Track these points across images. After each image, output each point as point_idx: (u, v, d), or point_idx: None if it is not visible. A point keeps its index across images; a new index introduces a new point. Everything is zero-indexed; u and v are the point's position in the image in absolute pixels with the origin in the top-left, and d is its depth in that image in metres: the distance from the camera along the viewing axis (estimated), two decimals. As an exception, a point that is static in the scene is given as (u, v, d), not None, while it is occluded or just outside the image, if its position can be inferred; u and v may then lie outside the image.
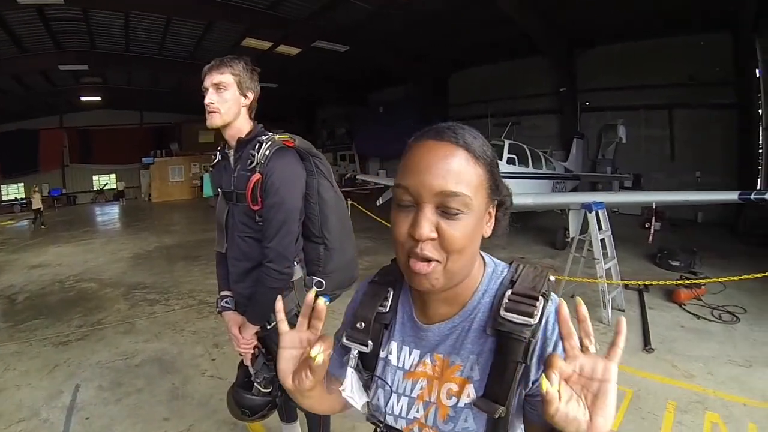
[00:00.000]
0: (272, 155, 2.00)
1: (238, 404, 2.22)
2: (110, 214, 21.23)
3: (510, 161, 9.34)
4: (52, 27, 13.38)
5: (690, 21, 11.55)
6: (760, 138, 11.24)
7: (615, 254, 5.88)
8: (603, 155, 14.10)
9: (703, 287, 6.14)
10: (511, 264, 0.96)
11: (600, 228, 5.71)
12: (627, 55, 13.57)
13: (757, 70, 10.94)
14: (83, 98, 22.27)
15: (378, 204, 8.92)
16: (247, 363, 2.22)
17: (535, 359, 0.84)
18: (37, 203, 17.07)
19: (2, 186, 25.84)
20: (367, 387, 1.04)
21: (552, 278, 0.91)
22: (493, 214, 0.91)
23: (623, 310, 5.80)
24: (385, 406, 1.00)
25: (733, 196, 6.58)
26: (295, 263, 2.16)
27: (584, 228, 6.08)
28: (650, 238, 7.16)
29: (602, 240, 5.70)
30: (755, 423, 3.45)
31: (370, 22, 13.03)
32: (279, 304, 0.92)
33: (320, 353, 0.84)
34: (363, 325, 1.01)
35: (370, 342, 1.00)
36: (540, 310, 0.84)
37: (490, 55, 16.42)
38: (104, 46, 15.74)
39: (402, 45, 15.47)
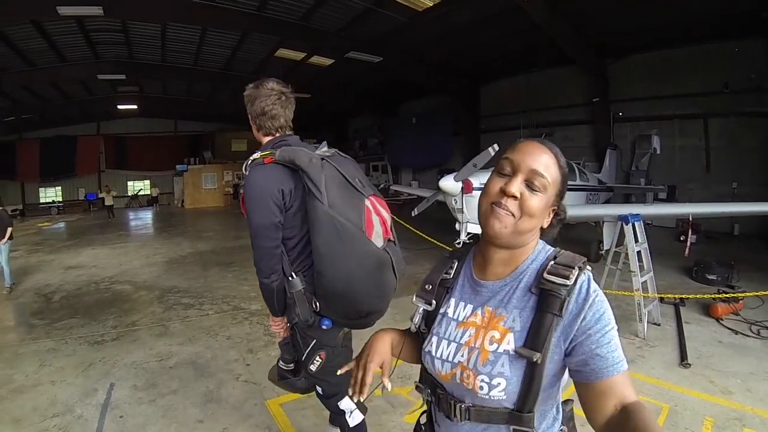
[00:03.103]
0: (248, 172, 2.12)
1: (276, 369, 2.51)
2: (144, 219, 21.72)
3: (544, 173, 9.11)
4: (91, 38, 13.85)
5: (723, 28, 11.34)
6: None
7: (651, 267, 5.77)
8: (637, 166, 13.85)
9: (740, 302, 5.97)
10: (556, 248, 1.21)
11: (636, 240, 5.61)
12: (660, 64, 13.35)
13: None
14: (120, 106, 22.96)
15: (413, 215, 8.88)
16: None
17: (569, 316, 1.06)
18: (109, 200, 19.95)
19: (40, 189, 26.72)
20: (423, 339, 1.30)
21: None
22: (552, 215, 1.19)
23: (659, 324, 5.67)
24: (436, 350, 1.23)
25: None
26: (293, 275, 2.19)
27: (619, 240, 5.98)
28: (686, 251, 7.01)
29: (638, 252, 5.60)
30: (795, 441, 3.35)
31: (402, 33, 13.10)
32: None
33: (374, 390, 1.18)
34: (430, 287, 1.31)
35: (434, 301, 1.29)
36: (575, 276, 1.07)
37: (521, 66, 16.37)
38: (141, 57, 16.24)
39: (434, 56, 15.52)
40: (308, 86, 18.69)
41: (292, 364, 2.44)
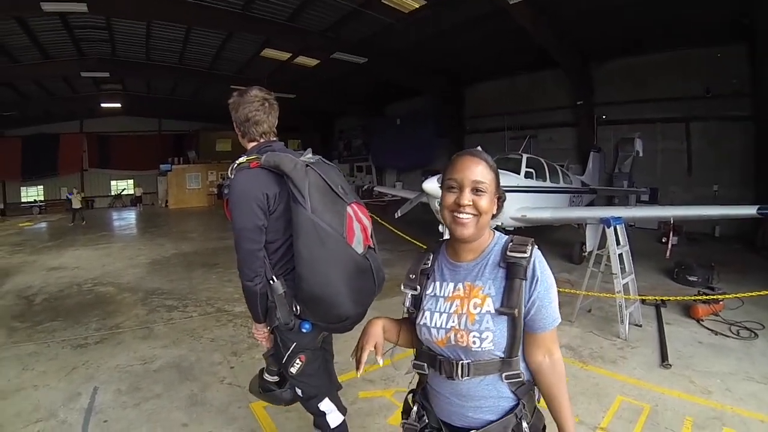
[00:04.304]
0: (234, 176, 2.16)
1: (258, 381, 2.58)
2: (127, 219, 21.51)
3: (528, 175, 9.15)
4: (75, 34, 13.69)
5: (706, 34, 11.52)
6: (778, 150, 11.13)
7: (633, 269, 5.83)
8: (619, 169, 14.00)
9: (720, 303, 6.07)
10: (509, 235, 1.56)
11: (618, 243, 5.66)
12: (643, 68, 13.53)
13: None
14: (103, 104, 22.64)
15: (396, 216, 8.88)
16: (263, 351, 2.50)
17: (529, 280, 1.42)
18: (77, 203, 18.95)
19: (22, 188, 26.33)
20: (416, 317, 1.57)
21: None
22: (496, 202, 1.51)
23: (640, 326, 5.74)
24: (431, 321, 1.50)
25: (751, 210, 6.48)
26: (275, 279, 2.23)
27: (601, 242, 6.04)
28: (668, 253, 7.10)
29: (620, 255, 5.66)
30: (774, 440, 3.41)
31: (387, 35, 13.12)
32: None
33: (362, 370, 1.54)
34: (414, 276, 1.62)
35: (418, 287, 1.60)
36: (530, 250, 1.44)
37: (506, 68, 16.46)
38: (125, 54, 16.07)
39: (419, 57, 15.56)
40: (294, 86, 18.67)
41: (277, 376, 2.48)
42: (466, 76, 18.27)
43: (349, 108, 25.28)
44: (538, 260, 1.44)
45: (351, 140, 28.31)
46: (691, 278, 7.53)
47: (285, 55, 15.49)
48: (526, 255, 1.43)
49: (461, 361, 1.44)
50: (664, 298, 6.32)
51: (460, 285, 1.51)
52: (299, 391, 2.45)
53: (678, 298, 6.25)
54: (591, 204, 12.37)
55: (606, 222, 5.71)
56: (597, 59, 14.20)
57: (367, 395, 4.02)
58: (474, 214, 1.44)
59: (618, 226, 5.74)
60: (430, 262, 1.62)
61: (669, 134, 13.41)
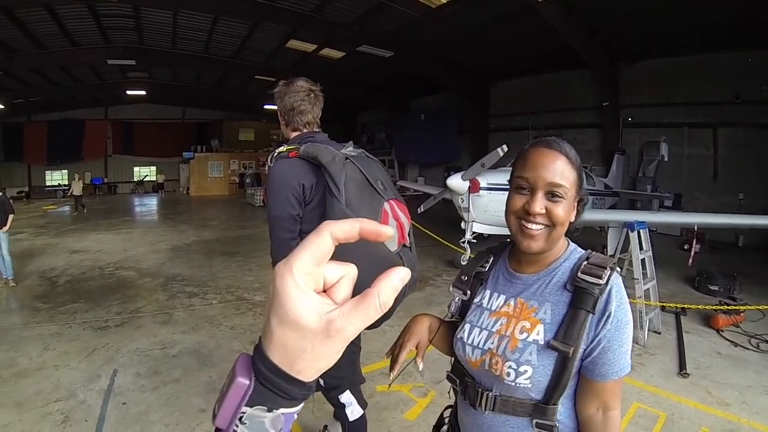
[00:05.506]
0: (272, 164, 2.19)
1: None
2: (149, 205, 21.83)
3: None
4: (102, 23, 13.86)
5: (737, 37, 11.27)
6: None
7: (655, 275, 5.77)
8: (644, 173, 13.78)
9: (741, 314, 5.97)
10: (587, 249, 1.28)
11: (641, 248, 5.61)
12: (672, 71, 13.28)
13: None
14: (129, 92, 22.91)
15: (419, 211, 8.86)
16: None
17: (599, 314, 1.13)
18: (78, 190, 18.18)
19: (47, 172, 26.84)
20: (457, 327, 1.37)
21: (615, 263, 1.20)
22: (576, 206, 1.24)
23: (660, 333, 5.67)
24: (468, 337, 1.29)
25: None
26: None
27: (623, 246, 5.97)
28: (690, 260, 7.00)
29: (642, 260, 5.60)
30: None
31: (414, 29, 13.05)
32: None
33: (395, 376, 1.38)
34: (466, 278, 1.41)
35: (468, 291, 1.38)
36: (607, 277, 1.14)
37: (532, 66, 16.27)
38: (152, 43, 16.24)
39: (445, 53, 15.48)
40: (318, 78, 18.55)
41: None
42: (492, 73, 18.07)
43: (372, 101, 25.22)
44: (615, 290, 1.14)
45: (374, 134, 28.24)
46: (713, 287, 7.39)
47: (310, 47, 15.50)
48: (600, 282, 1.13)
49: (488, 392, 1.21)
50: (684, 306, 6.23)
51: (512, 300, 1.26)
52: (321, 381, 2.45)
53: (699, 306, 6.15)
54: (613, 207, 12.22)
55: (630, 226, 5.65)
56: (625, 60, 13.97)
57: (384, 389, 4.03)
58: (546, 225, 1.18)
59: (642, 231, 5.68)
60: (488, 266, 1.39)
61: (696, 139, 13.17)
